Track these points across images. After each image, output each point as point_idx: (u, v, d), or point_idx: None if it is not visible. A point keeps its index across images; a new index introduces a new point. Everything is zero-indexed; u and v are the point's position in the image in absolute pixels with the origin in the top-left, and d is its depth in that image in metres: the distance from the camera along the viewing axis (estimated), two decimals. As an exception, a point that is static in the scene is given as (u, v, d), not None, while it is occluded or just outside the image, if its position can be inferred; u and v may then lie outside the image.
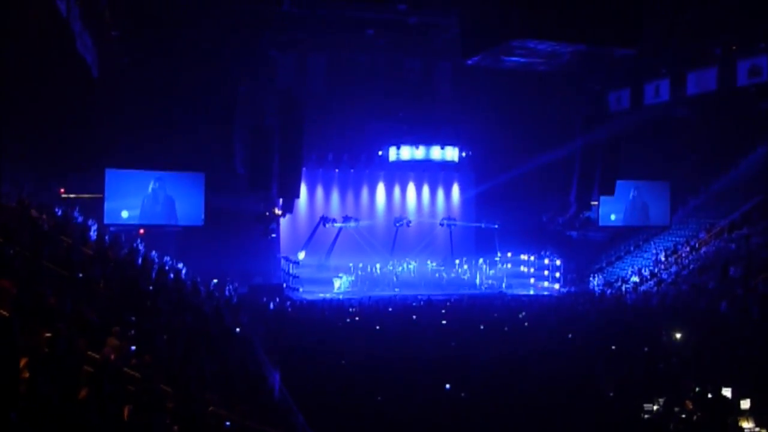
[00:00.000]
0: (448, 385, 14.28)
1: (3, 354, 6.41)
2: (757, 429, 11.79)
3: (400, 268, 33.50)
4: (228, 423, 10.35)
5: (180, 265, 23.04)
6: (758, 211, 29.42)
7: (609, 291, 29.55)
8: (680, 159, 33.23)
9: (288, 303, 25.83)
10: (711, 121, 30.88)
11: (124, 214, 26.69)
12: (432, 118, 33.86)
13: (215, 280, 23.82)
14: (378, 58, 30.82)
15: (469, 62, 22.93)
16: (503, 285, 32.57)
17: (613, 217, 32.72)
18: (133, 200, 26.93)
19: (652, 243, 33.11)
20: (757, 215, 29.26)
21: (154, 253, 21.68)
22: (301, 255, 32.16)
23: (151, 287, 16.03)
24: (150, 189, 27.36)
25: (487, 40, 21.14)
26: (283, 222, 32.35)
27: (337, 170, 36.08)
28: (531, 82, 29.21)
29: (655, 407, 12.63)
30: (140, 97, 26.48)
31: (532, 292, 31.75)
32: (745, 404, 12.20)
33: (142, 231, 26.94)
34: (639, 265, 31.66)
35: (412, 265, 34.04)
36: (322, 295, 28.98)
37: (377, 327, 20.53)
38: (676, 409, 12.31)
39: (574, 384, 14.30)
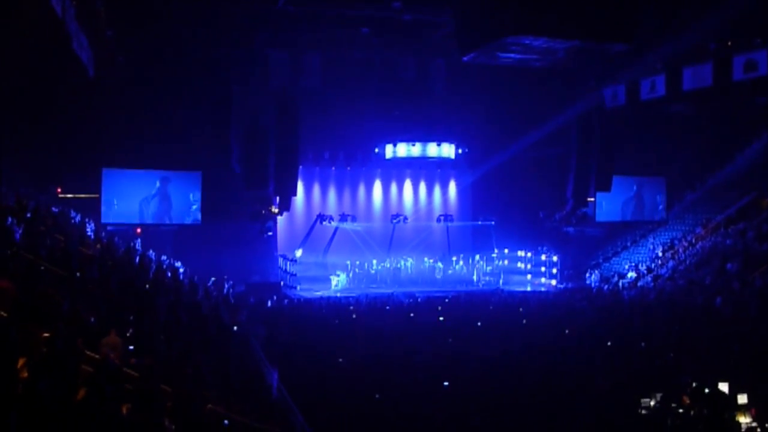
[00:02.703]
0: (446, 383, 14.30)
1: (1, 354, 6.43)
2: (754, 424, 11.84)
3: (399, 265, 33.51)
4: (226, 422, 10.37)
5: (178, 264, 23.04)
6: (754, 206, 29.50)
7: (606, 287, 29.61)
8: (677, 154, 33.28)
9: (285, 301, 25.85)
10: (707, 117, 30.91)
11: (121, 212, 26.65)
12: (428, 115, 33.85)
13: (213, 279, 23.84)
14: (373, 56, 30.80)
15: (465, 59, 22.90)
16: (500, 281, 32.61)
17: (604, 210, 32.71)
18: (130, 199, 26.90)
19: (648, 238, 33.15)
20: (753, 210, 29.33)
21: (151, 252, 21.69)
22: (299, 253, 32.17)
23: (148, 286, 16.04)
24: (149, 188, 27.36)
25: (483, 36, 21.12)
26: (280, 220, 32.38)
27: (333, 168, 36.08)
28: (527, 78, 29.20)
29: (652, 402, 12.65)
30: (136, 96, 26.46)
31: (529, 289, 31.80)
32: (742, 399, 12.24)
33: (138, 230, 26.93)
34: (636, 260, 31.71)
35: (410, 262, 34.06)
36: (319, 293, 29.01)
37: (375, 324, 20.55)
38: (673, 404, 12.34)
39: (571, 380, 14.35)
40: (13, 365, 6.84)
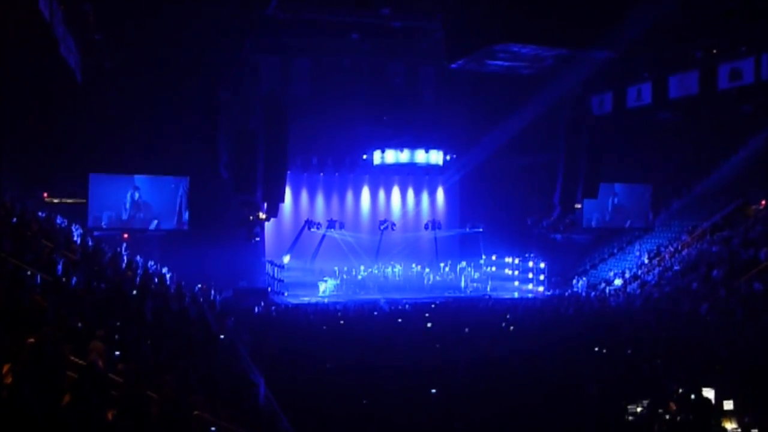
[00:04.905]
0: (434, 390, 14.29)
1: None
2: (739, 430, 11.90)
3: (386, 271, 33.47)
4: (213, 428, 10.32)
5: (164, 270, 22.94)
6: (739, 214, 29.70)
7: (593, 293, 29.68)
8: (663, 162, 33.47)
9: (273, 307, 25.76)
10: (693, 124, 31.10)
11: (108, 218, 26.58)
12: (416, 122, 33.85)
13: (200, 285, 23.75)
14: (362, 62, 30.79)
15: (453, 66, 23.00)
16: (488, 288, 32.64)
17: (592, 219, 32.85)
18: (117, 204, 26.81)
19: (635, 245, 33.30)
20: (738, 217, 29.52)
21: (138, 257, 21.58)
22: (286, 259, 32.10)
23: (135, 292, 15.96)
24: (136, 193, 27.30)
25: (471, 44, 21.24)
26: (268, 226, 32.27)
27: (321, 174, 36.00)
28: (515, 85, 29.30)
29: (639, 409, 12.70)
30: (124, 101, 26.38)
31: (516, 295, 31.84)
32: (728, 405, 12.32)
33: (126, 235, 26.82)
34: (622, 267, 31.84)
35: (397, 268, 34.03)
36: (307, 299, 28.93)
37: (362, 330, 20.51)
38: (660, 410, 12.39)
39: (558, 386, 14.36)
40: (-2, 371, 6.79)
